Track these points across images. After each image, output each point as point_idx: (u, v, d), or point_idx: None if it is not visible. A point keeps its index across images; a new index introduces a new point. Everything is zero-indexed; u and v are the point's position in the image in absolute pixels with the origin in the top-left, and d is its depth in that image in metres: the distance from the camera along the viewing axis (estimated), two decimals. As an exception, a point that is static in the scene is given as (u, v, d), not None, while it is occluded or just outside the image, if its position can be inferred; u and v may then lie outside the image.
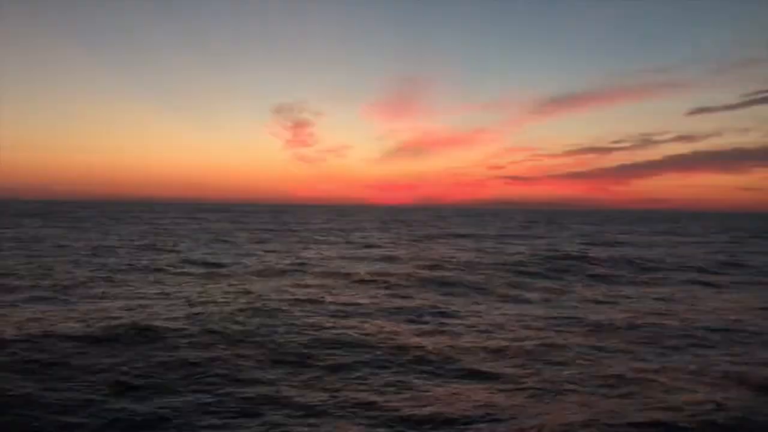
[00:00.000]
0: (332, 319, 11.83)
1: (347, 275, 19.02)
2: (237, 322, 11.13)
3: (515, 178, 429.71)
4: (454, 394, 7.57)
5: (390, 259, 24.92)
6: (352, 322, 11.73)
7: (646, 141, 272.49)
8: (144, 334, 9.92)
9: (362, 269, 20.76)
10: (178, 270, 19.62)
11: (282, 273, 19.54)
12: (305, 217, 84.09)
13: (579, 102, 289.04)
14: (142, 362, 8.53)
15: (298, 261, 23.08)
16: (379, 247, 32.31)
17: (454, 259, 24.36)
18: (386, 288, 16.73)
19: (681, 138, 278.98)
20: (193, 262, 21.76)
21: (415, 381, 8.12)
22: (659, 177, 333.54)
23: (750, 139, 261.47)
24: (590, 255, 26.95)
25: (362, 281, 17.89)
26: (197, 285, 16.26)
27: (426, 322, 12.03)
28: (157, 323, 10.67)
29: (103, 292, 14.55)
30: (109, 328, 10.23)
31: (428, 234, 47.88)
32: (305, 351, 9.40)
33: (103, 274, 18.03)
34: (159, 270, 19.33)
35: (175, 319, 11.25)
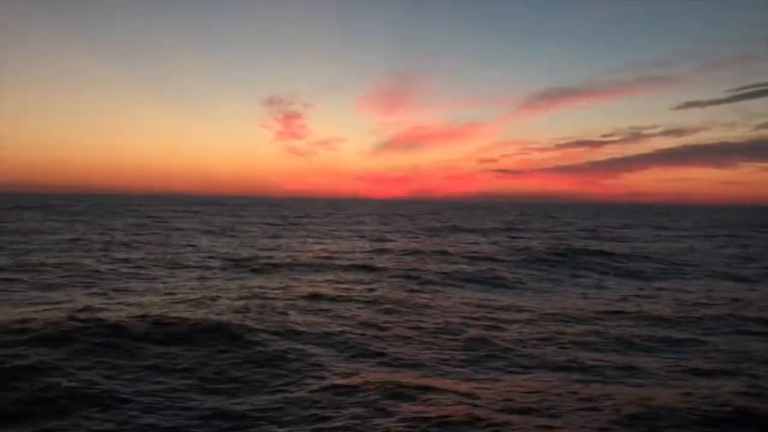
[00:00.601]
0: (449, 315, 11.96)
1: (384, 269, 19.09)
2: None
3: (506, 172, 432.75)
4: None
5: (415, 252, 24.95)
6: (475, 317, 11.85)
7: (635, 135, 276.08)
8: (224, 330, 9.91)
9: (391, 263, 20.85)
10: (214, 265, 19.55)
11: (323, 267, 19.59)
12: (302, 211, 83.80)
13: (570, 97, 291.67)
14: (223, 359, 8.57)
15: (324, 255, 23.09)
16: (392, 240, 32.35)
17: (481, 254, 24.54)
18: (442, 284, 16.85)
19: (669, 132, 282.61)
20: (223, 257, 21.67)
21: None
22: (648, 171, 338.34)
23: (737, 134, 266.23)
24: (605, 250, 27.30)
25: (405, 276, 17.88)
26: (247, 280, 16.26)
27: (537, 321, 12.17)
28: (237, 320, 10.66)
29: (160, 287, 14.48)
30: (180, 324, 10.19)
31: (432, 227, 47.97)
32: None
33: (145, 269, 17.95)
34: (201, 266, 19.19)
35: (247, 314, 11.25)
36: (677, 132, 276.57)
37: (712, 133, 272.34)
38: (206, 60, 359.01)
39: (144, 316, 10.36)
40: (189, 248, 24.76)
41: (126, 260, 19.80)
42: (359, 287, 15.36)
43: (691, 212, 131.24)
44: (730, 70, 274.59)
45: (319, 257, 22.08)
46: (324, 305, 12.58)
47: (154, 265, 18.99)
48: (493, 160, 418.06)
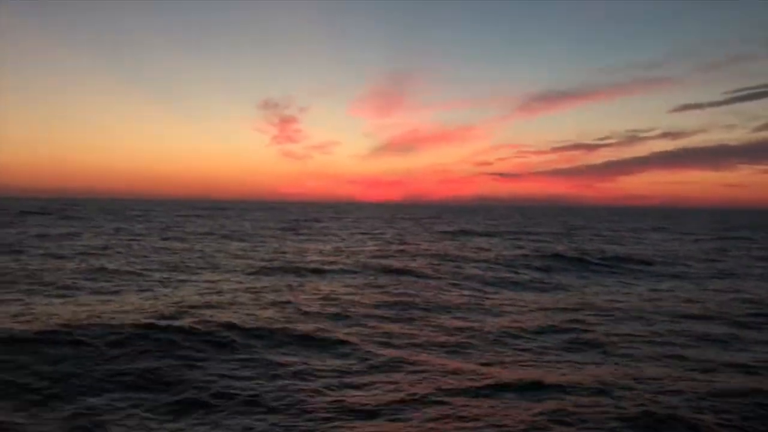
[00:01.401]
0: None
1: (425, 275, 19.11)
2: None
3: (502, 175, 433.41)
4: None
5: (453, 257, 24.93)
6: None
7: (632, 138, 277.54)
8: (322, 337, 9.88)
9: (436, 267, 20.92)
10: (261, 268, 19.45)
11: (376, 272, 19.63)
12: (306, 215, 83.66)
13: (566, 99, 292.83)
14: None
15: (364, 259, 23.07)
16: (415, 244, 32.28)
17: (512, 257, 24.65)
18: (504, 287, 16.94)
19: (667, 135, 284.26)
20: (267, 261, 21.59)
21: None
22: (645, 173, 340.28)
23: (735, 136, 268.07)
24: (633, 254, 27.50)
25: (452, 283, 17.92)
26: (313, 284, 16.24)
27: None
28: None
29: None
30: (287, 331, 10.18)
31: (444, 231, 47.92)
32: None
33: (198, 273, 17.87)
34: (255, 271, 19.08)
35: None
36: (674, 134, 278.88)
37: (710, 135, 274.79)
38: (201, 63, 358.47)
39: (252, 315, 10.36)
40: (224, 253, 24.65)
41: (173, 265, 19.75)
42: (429, 292, 15.44)
43: (693, 215, 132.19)
44: (727, 72, 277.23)
45: (359, 262, 22.02)
46: (415, 313, 12.66)
47: (201, 268, 18.95)
48: (489, 163, 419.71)
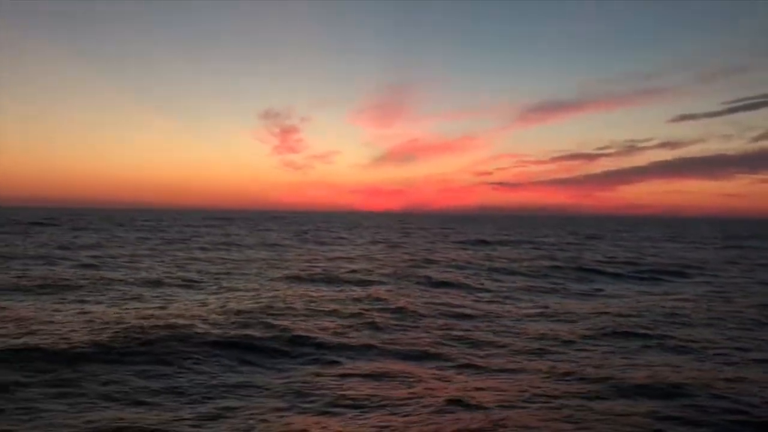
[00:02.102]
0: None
1: (469, 287, 19.22)
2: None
3: (501, 184, 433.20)
4: None
5: (475, 267, 25.06)
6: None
7: (631, 147, 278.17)
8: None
9: (467, 277, 21.04)
10: (308, 278, 19.56)
11: (419, 282, 19.82)
12: (315, 224, 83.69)
13: (565, 109, 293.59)
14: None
15: (400, 267, 23.17)
16: (441, 253, 32.35)
17: (552, 271, 24.83)
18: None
19: (665, 144, 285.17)
20: (308, 271, 21.67)
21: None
22: (644, 183, 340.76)
23: (733, 146, 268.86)
24: (663, 263, 27.69)
25: (505, 296, 18.04)
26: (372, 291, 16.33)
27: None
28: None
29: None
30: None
31: (461, 240, 47.91)
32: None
33: (260, 277, 17.95)
34: (335, 280, 19.26)
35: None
36: (673, 144, 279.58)
37: (708, 145, 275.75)
38: (203, 73, 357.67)
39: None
40: (264, 263, 24.69)
41: (216, 273, 19.87)
42: (486, 304, 15.61)
43: (693, 225, 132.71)
44: (725, 83, 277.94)
45: (397, 273, 22.07)
46: (505, 323, 12.75)
47: (244, 274, 19.01)
48: (489, 173, 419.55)
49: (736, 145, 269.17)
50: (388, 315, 12.91)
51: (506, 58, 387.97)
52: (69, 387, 7.41)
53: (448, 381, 8.20)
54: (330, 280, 19.47)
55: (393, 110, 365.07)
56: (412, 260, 27.34)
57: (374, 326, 11.65)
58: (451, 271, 23.04)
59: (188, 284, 17.42)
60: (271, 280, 19.09)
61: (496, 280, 20.65)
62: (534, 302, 15.95)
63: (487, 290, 18.21)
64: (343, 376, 8.29)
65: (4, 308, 12.34)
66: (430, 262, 26.77)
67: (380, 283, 19.14)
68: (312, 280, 19.34)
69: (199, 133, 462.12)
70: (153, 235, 45.24)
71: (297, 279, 19.34)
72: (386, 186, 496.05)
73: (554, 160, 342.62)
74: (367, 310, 13.40)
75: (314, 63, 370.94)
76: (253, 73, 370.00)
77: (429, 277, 20.60)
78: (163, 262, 24.03)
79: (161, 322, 10.79)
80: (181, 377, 8.03)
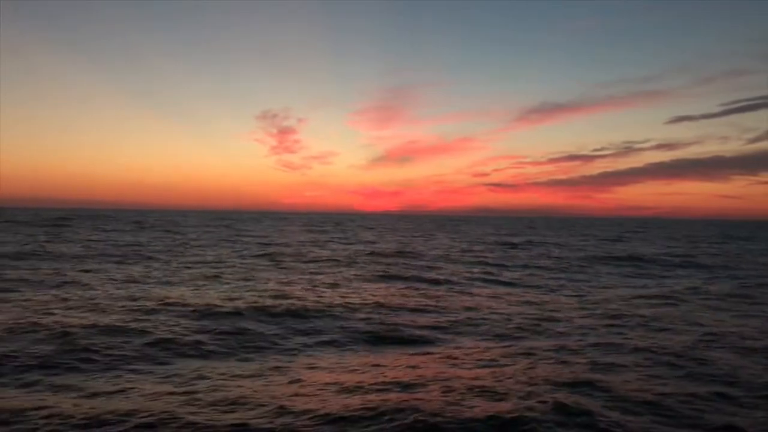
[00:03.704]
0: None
1: (530, 285, 20.20)
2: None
3: (499, 186, 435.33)
4: None
5: (523, 267, 26.05)
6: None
7: (628, 149, 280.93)
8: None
9: (523, 276, 22.07)
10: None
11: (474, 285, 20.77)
12: (321, 225, 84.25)
13: (562, 111, 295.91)
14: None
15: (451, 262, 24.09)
16: (475, 251, 33.14)
17: (601, 262, 25.82)
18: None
19: (662, 146, 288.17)
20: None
21: None
22: (641, 184, 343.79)
23: (729, 148, 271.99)
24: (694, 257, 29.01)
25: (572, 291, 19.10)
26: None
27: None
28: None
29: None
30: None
31: (476, 240, 48.31)
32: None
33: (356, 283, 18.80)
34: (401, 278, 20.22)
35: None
36: (670, 146, 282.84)
37: (705, 146, 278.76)
38: (201, 74, 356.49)
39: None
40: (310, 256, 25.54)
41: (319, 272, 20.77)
42: (564, 309, 16.62)
43: (691, 226, 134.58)
44: (722, 85, 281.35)
45: (444, 276, 23.00)
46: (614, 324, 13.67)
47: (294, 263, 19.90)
48: (486, 174, 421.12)
49: (733, 147, 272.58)
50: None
51: (505, 60, 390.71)
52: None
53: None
54: (403, 278, 20.41)
55: (391, 112, 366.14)
56: (455, 264, 28.29)
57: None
58: (500, 271, 24.00)
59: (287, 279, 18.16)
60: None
61: (551, 275, 21.60)
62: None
63: (552, 291, 19.21)
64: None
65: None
66: (479, 262, 27.68)
67: (450, 283, 20.10)
68: (374, 278, 20.20)
69: (196, 133, 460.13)
70: (183, 235, 45.72)
71: (372, 276, 20.17)
72: (384, 187, 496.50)
73: (551, 161, 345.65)
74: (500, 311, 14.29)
75: (313, 64, 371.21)
76: (251, 75, 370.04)
77: (490, 274, 21.69)
78: (238, 255, 24.78)
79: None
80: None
